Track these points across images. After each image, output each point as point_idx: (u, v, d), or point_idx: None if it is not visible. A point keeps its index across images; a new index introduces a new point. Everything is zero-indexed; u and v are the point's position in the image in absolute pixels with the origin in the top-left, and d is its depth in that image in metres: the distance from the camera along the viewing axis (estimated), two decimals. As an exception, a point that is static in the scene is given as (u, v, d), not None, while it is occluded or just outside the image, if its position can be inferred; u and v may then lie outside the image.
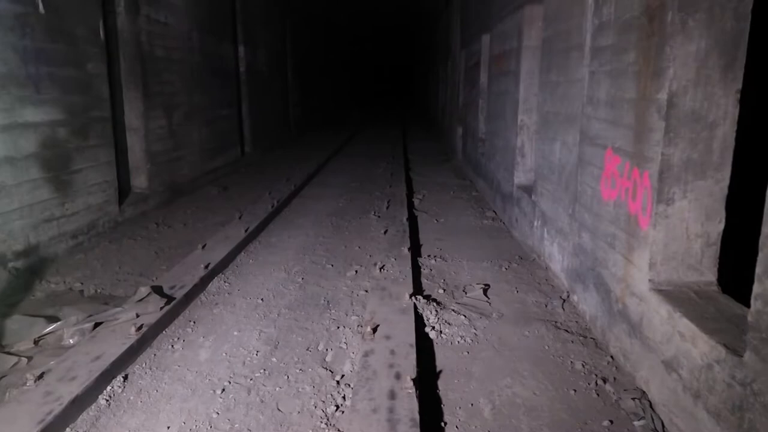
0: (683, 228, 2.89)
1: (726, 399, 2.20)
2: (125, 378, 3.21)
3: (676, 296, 2.78)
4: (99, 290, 4.58)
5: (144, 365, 3.37)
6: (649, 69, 3.00)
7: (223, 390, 3.08)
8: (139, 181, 7.27)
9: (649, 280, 2.94)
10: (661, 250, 2.92)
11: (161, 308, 3.87)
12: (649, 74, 3.01)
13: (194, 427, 2.76)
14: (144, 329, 3.56)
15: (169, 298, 4.04)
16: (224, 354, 3.53)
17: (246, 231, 6.03)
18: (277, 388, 3.10)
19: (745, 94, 2.82)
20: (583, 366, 3.30)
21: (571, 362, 3.35)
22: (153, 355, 3.50)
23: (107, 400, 2.98)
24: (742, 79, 2.81)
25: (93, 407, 2.92)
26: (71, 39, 5.50)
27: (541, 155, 5.24)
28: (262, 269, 5.20)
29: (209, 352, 3.56)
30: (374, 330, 3.51)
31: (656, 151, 2.91)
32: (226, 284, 4.78)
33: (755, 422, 2.05)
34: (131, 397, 3.03)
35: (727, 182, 2.87)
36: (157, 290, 4.14)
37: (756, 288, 2.03)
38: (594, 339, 3.63)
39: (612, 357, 3.37)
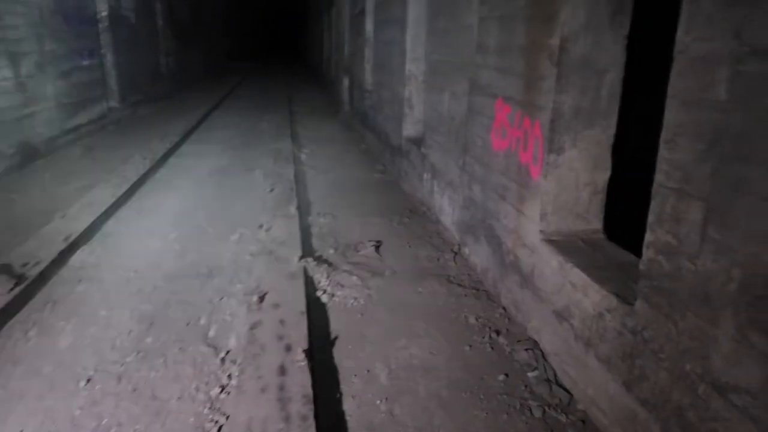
0: (573, 177, 2.87)
1: (617, 347, 2.21)
2: (-36, 377, 2.73)
3: (566, 246, 2.76)
4: (-68, 273, 3.90)
5: (-11, 359, 2.89)
6: (541, 14, 2.89)
7: (88, 381, 2.70)
8: (-18, 143, 6.31)
9: (540, 231, 2.91)
10: (552, 200, 2.89)
11: (10, 290, 3.34)
12: (541, 19, 2.90)
13: (53, 428, 2.39)
14: (-13, 317, 3.05)
15: (21, 278, 3.50)
16: (89, 338, 3.11)
17: (114, 196, 5.44)
18: (153, 373, 2.77)
19: (634, 44, 2.80)
20: (477, 320, 3.27)
21: (465, 317, 3.31)
22: (1, 347, 3.01)
23: (-60, 406, 2.51)
24: (629, 25, 2.77)
25: None
26: None
27: (431, 106, 5.11)
28: (135, 238, 4.70)
29: (71, 337, 3.13)
30: (261, 299, 3.25)
31: (548, 99, 2.83)
32: (92, 257, 4.27)
33: (645, 368, 2.06)
34: (-28, 400, 2.58)
35: (613, 130, 2.86)
36: (6, 269, 3.59)
37: (648, 236, 2.00)
38: (486, 291, 3.62)
39: (504, 308, 3.36)
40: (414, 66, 5.89)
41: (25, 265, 3.75)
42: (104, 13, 10.21)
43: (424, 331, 3.16)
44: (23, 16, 7.04)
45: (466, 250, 4.09)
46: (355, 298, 3.53)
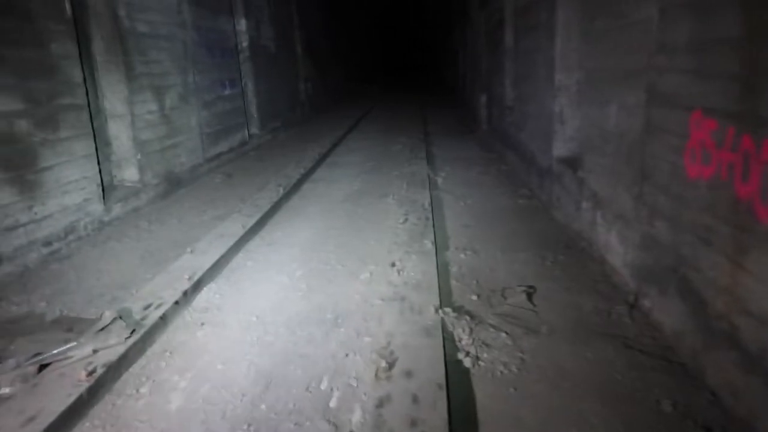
0: (829, 220, 1.99)
1: None
2: (68, 444, 2.46)
3: (827, 323, 1.89)
4: (66, 312, 3.84)
5: (97, 421, 2.62)
6: (767, -10, 2.08)
7: (190, 462, 2.31)
8: (129, 174, 6.52)
9: (778, 296, 2.05)
10: (795, 253, 2.03)
11: (126, 339, 3.11)
12: (766, -2, 2.08)
13: None
14: (99, 371, 2.81)
15: (138, 325, 3.28)
16: (201, 400, 2.76)
17: (244, 227, 5.26)
18: (262, 457, 2.32)
19: None
20: (674, 407, 2.44)
21: (657, 400, 2.50)
22: (111, 405, 2.75)
23: (37, 483, 2.24)
24: None
25: (15, 496, 2.18)
26: (25, 15, 4.70)
27: (589, 121, 4.31)
28: (261, 274, 4.42)
29: (183, 396, 2.80)
30: (392, 364, 2.70)
31: (783, 109, 2.00)
32: (217, 296, 4.02)
33: None
34: (71, 475, 2.29)
35: None
36: (126, 313, 3.39)
37: None
38: (681, 364, 2.76)
39: (713, 393, 2.50)
40: (565, 75, 5.11)
41: (147, 307, 3.55)
42: (245, 44, 10.52)
43: (601, 418, 2.41)
44: (167, 50, 7.28)
45: (646, 303, 3.24)
46: (505, 364, 2.86)
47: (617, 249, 3.70)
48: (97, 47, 6.11)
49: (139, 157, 6.53)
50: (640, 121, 3.24)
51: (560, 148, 5.26)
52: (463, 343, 3.04)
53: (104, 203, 5.78)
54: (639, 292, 3.33)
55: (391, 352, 2.85)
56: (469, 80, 13.70)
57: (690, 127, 2.64)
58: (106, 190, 5.95)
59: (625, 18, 3.49)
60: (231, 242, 4.86)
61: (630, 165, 3.43)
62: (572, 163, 4.84)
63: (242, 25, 10.51)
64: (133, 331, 3.18)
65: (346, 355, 3.07)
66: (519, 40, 7.13)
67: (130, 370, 3.04)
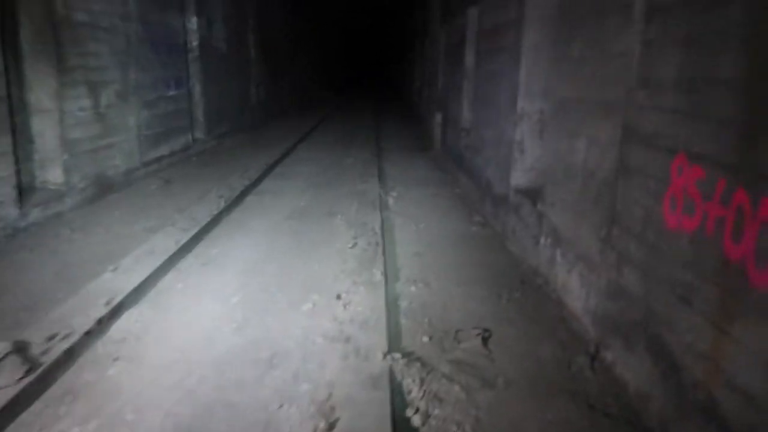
0: (832, 293, 1.78)
1: None
2: None
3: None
4: (-47, 337, 3.30)
5: (-33, 488, 2.15)
6: (771, 32, 1.87)
7: None
8: (53, 176, 5.92)
9: (771, 374, 1.82)
10: (792, 327, 1.81)
11: (19, 380, 2.64)
12: (770, 40, 1.87)
13: None
14: (-22, 422, 2.33)
15: (37, 362, 2.80)
16: (102, 461, 2.33)
17: (178, 243, 4.79)
18: None
19: None
20: (645, 485, 2.20)
21: (626, 477, 2.24)
22: (-11, 466, 2.28)
23: None
24: None
25: None
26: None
27: (554, 153, 4.10)
28: (191, 298, 3.98)
29: (81, 455, 2.35)
30: (332, 426, 2.34)
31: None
32: (138, 324, 3.55)
33: None
34: None
35: None
36: (24, 347, 2.90)
37: None
38: (648, 430, 2.52)
39: (686, 469, 2.26)
40: (528, 103, 4.91)
41: (51, 338, 3.06)
42: (195, 43, 9.98)
43: (565, 498, 2.13)
44: (107, 43, 6.72)
45: (608, 356, 3.01)
46: (459, 424, 2.54)
47: (577, 292, 3.47)
48: (25, 33, 5.52)
49: (65, 157, 5.95)
50: (612, 158, 3.02)
51: (519, 178, 5.05)
52: (413, 395, 2.72)
53: (20, 207, 5.19)
54: (601, 342, 3.10)
55: (332, 408, 2.49)
56: (426, 97, 13.55)
57: (671, 172, 2.43)
58: (24, 192, 5.36)
59: (603, 48, 3.29)
60: (161, 260, 4.40)
61: (598, 204, 3.21)
62: (532, 194, 4.63)
63: (193, 23, 9.98)
64: (30, 369, 2.70)
65: (281, 405, 2.69)
66: (480, 62, 6.95)
67: (20, 418, 2.56)
